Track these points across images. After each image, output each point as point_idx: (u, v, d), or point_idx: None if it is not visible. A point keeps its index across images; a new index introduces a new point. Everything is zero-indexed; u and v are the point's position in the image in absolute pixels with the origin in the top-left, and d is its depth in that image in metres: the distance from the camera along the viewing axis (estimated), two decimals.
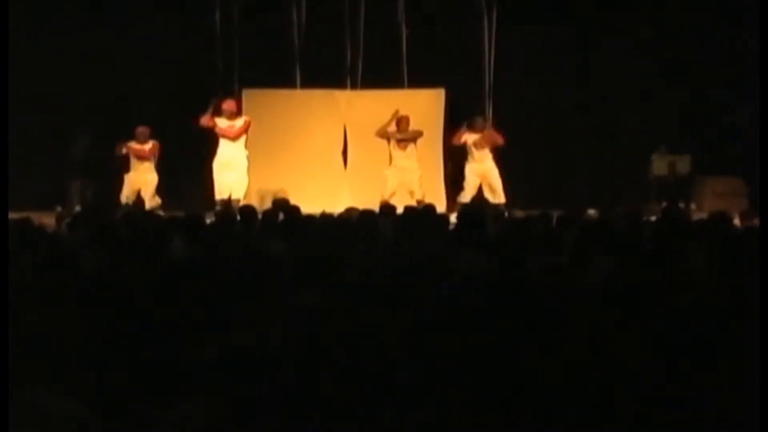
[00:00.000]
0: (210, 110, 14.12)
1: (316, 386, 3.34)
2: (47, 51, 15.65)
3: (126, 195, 14.41)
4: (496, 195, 14.27)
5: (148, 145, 14.41)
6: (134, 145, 14.42)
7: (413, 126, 14.43)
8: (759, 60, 14.00)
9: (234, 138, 14.11)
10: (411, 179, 14.18)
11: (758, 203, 12.47)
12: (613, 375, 3.59)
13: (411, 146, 14.27)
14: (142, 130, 14.37)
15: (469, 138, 14.44)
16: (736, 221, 8.79)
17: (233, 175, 14.08)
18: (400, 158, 14.25)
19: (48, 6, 15.74)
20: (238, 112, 14.27)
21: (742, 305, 4.33)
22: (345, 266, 5.23)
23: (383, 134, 14.26)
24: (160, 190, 14.55)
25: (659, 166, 16.23)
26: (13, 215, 8.93)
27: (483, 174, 14.40)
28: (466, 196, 14.32)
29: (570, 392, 3.49)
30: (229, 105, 14.25)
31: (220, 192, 14.06)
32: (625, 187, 16.28)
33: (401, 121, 14.29)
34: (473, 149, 14.41)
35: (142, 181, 14.47)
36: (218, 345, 3.57)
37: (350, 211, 11.19)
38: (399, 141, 14.22)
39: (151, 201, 14.36)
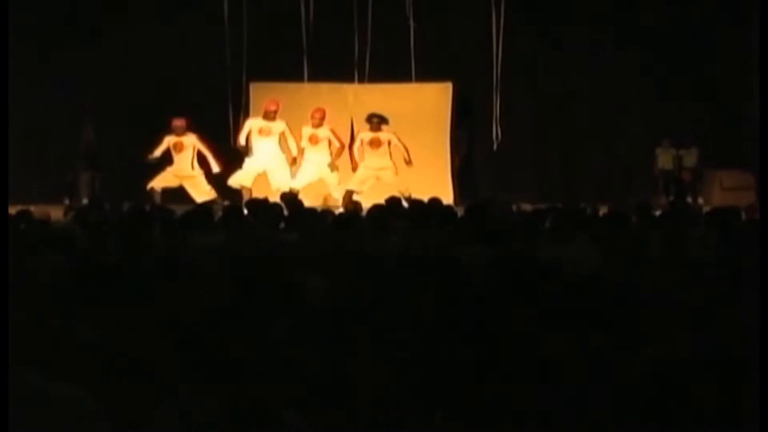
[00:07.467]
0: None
1: (329, 375, 3.36)
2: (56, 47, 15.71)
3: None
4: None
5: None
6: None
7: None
8: (759, 54, 13.96)
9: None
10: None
11: (760, 195, 12.38)
12: (619, 362, 3.61)
13: (324, 143, 13.81)
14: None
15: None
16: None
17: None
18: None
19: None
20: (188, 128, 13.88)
21: (743, 296, 4.34)
22: (355, 256, 5.24)
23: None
24: None
25: (664, 159, 16.21)
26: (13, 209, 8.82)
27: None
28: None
29: (574, 381, 3.51)
30: (179, 122, 13.87)
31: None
32: (633, 180, 16.29)
33: (315, 113, 13.82)
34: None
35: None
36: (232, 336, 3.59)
37: (353, 204, 11.22)
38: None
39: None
